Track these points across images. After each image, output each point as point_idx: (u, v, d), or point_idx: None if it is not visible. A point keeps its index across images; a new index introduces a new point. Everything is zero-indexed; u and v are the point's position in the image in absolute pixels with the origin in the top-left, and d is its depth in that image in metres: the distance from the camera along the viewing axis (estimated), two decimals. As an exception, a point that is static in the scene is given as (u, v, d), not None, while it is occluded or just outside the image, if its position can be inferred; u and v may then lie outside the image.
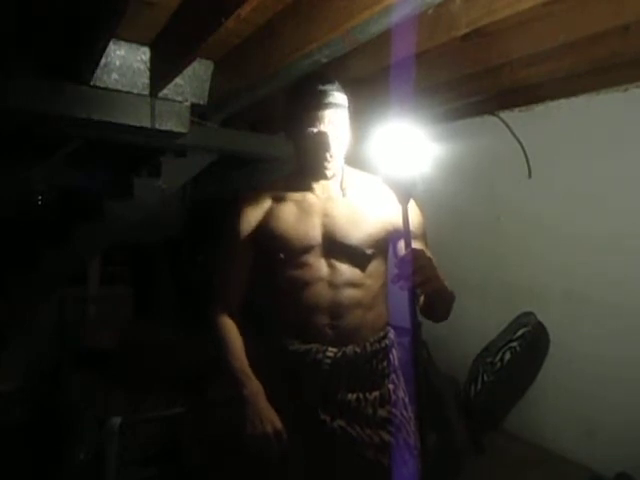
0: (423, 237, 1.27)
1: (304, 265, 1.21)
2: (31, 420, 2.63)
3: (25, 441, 2.46)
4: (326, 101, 1.16)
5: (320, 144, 1.18)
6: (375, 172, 1.15)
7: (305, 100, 1.18)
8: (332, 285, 1.20)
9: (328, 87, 1.18)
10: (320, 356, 1.19)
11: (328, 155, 1.19)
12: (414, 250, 0.98)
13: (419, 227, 1.26)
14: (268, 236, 1.24)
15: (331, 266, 1.21)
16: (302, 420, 1.19)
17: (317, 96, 1.17)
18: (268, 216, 1.26)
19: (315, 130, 1.17)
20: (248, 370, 1.20)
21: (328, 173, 1.22)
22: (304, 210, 1.24)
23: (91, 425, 2.24)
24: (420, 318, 1.18)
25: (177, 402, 2.39)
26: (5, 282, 2.90)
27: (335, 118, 1.18)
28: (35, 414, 2.69)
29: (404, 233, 1.01)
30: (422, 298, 1.16)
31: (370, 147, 1.04)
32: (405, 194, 1.01)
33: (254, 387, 1.17)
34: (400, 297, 1.08)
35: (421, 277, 0.96)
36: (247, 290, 1.30)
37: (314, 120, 1.16)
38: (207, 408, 2.29)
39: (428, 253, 1.06)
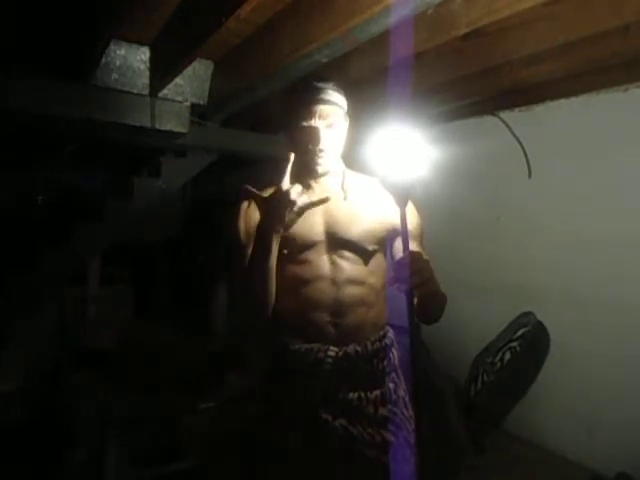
0: (420, 238, 1.28)
1: (307, 262, 1.21)
2: (31, 420, 2.63)
3: (25, 441, 2.45)
4: (319, 97, 1.18)
5: (310, 138, 1.19)
6: (373, 175, 1.16)
7: (300, 95, 1.20)
8: (335, 283, 1.20)
9: (323, 84, 1.20)
10: (322, 355, 1.19)
11: (318, 149, 1.20)
12: (412, 252, 1.00)
13: (416, 228, 1.27)
14: None
15: (334, 263, 1.21)
16: (303, 419, 1.20)
17: (311, 91, 1.19)
18: None
19: (306, 124, 1.18)
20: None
21: (319, 169, 1.23)
22: None
23: (91, 425, 2.24)
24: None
25: (177, 402, 2.39)
26: (5, 282, 2.90)
27: (327, 114, 1.19)
28: (35, 414, 2.69)
29: (402, 235, 1.02)
30: (416, 300, 1.16)
31: (368, 150, 1.05)
32: (403, 197, 1.02)
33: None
34: (397, 296, 1.09)
35: (418, 279, 0.97)
36: None
37: (306, 115, 1.18)
38: (207, 408, 2.29)
39: (425, 255, 1.07)
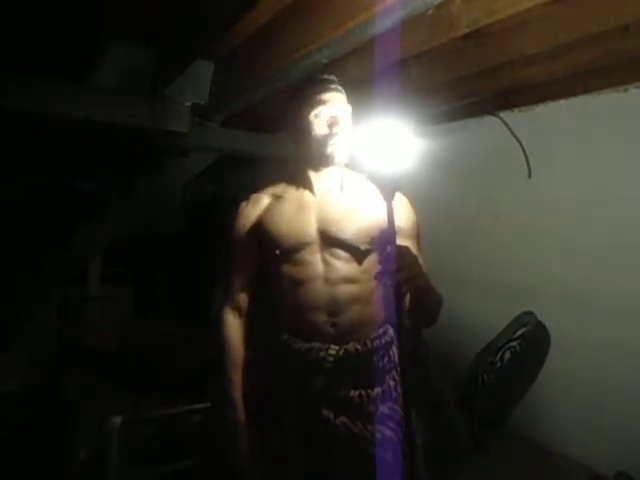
0: (415, 236, 1.27)
1: (300, 262, 1.22)
2: (31, 420, 2.63)
3: (25, 441, 2.46)
4: (334, 86, 1.25)
5: (329, 121, 1.22)
6: (360, 169, 1.15)
7: (308, 88, 1.25)
8: (328, 282, 1.20)
9: (330, 77, 1.27)
10: (322, 354, 1.20)
11: (335, 132, 1.22)
12: (398, 247, 0.99)
13: (411, 226, 1.26)
14: (265, 233, 1.26)
15: (327, 262, 1.21)
16: (304, 418, 1.20)
17: (320, 82, 1.25)
18: (265, 214, 1.29)
19: (324, 108, 1.22)
20: (238, 395, 1.26)
21: (336, 153, 1.24)
22: (300, 207, 1.26)
23: (91, 425, 2.24)
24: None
25: (177, 402, 2.39)
26: (6, 282, 2.90)
27: (342, 102, 1.25)
28: (35, 414, 2.69)
29: (389, 230, 1.01)
30: (409, 299, 1.13)
31: (355, 144, 1.06)
32: (389, 191, 1.01)
33: (237, 415, 1.25)
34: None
35: (406, 274, 0.96)
36: (253, 288, 1.34)
37: (318, 103, 1.23)
38: (207, 408, 2.28)
39: (414, 251, 1.06)
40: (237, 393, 1.26)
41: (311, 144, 1.25)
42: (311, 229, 1.23)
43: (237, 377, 1.28)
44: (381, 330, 1.27)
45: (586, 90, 2.31)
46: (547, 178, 2.54)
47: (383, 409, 1.21)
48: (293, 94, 1.30)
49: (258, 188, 1.35)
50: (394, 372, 1.26)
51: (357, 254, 1.22)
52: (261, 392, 1.28)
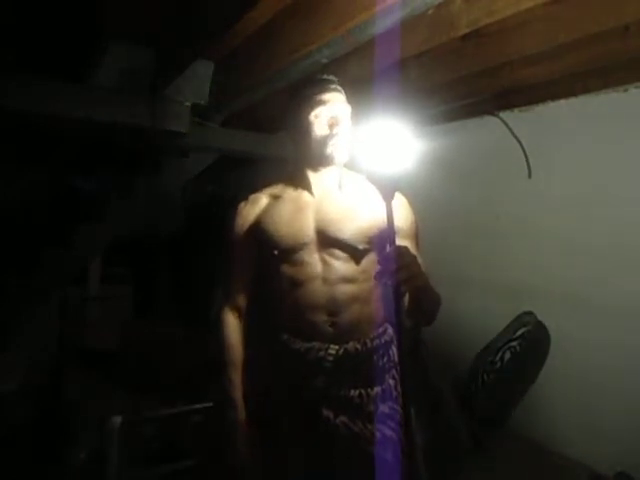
0: (414, 237, 1.27)
1: (298, 263, 1.22)
2: (31, 420, 2.63)
3: (25, 441, 2.46)
4: (335, 87, 1.26)
5: (330, 122, 1.22)
6: (359, 169, 1.15)
7: (308, 89, 1.25)
8: (327, 282, 1.21)
9: (329, 77, 1.27)
10: (322, 354, 1.20)
11: (335, 133, 1.22)
12: (398, 247, 0.99)
13: (410, 227, 1.26)
14: (263, 234, 1.26)
15: (325, 262, 1.22)
16: (304, 417, 1.20)
17: (319, 82, 1.25)
18: (264, 214, 1.29)
19: (325, 108, 1.22)
20: (238, 395, 1.27)
21: (335, 154, 1.24)
22: (299, 207, 1.26)
23: (91, 425, 2.24)
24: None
25: (177, 402, 2.39)
26: (6, 282, 2.90)
27: (342, 102, 1.25)
28: (35, 414, 2.69)
29: (388, 230, 1.01)
30: (408, 299, 1.14)
31: (356, 145, 1.06)
32: (389, 191, 1.01)
33: (237, 415, 1.25)
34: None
35: (405, 274, 0.96)
36: (253, 289, 1.35)
37: (318, 103, 1.22)
38: (208, 408, 2.29)
39: (413, 251, 1.06)
40: (237, 393, 1.26)
41: (311, 144, 1.24)
42: (309, 229, 1.23)
43: (237, 377, 1.28)
44: (380, 329, 1.27)
45: (586, 90, 2.31)
46: (547, 178, 2.54)
47: (383, 408, 1.21)
48: (293, 94, 1.30)
49: (257, 188, 1.35)
50: (394, 371, 1.26)
51: (355, 254, 1.22)
52: (261, 392, 1.28)
